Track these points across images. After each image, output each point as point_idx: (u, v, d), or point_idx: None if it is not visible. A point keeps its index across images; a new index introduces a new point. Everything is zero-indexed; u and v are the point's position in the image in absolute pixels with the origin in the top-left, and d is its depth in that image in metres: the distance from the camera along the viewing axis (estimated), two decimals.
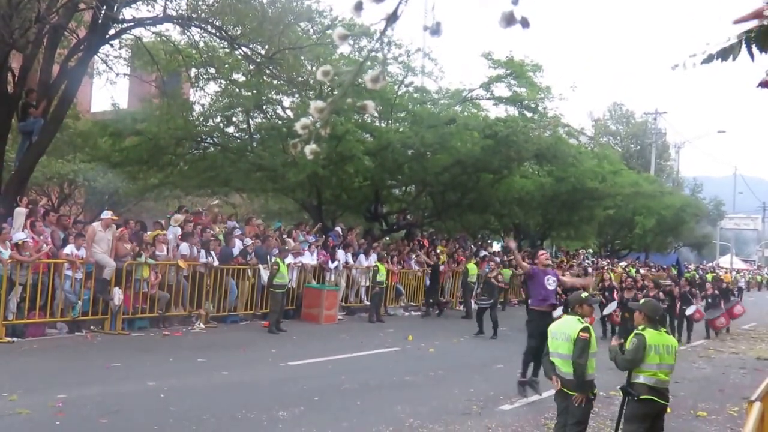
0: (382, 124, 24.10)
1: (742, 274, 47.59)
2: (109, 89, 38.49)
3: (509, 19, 0.99)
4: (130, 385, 9.52)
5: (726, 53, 2.86)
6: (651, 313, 7.07)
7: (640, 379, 6.73)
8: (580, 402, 6.92)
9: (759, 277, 67.96)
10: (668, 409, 7.17)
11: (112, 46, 18.61)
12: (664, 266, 44.79)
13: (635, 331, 7.05)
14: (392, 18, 1.13)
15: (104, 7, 15.30)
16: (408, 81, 23.78)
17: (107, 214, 14.49)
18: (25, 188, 16.38)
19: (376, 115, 23.88)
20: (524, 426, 8.81)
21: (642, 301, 8.42)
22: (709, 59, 2.92)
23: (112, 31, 16.56)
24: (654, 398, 6.72)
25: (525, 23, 0.99)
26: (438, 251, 24.06)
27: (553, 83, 29.19)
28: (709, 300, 21.35)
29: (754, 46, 2.80)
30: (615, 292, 18.86)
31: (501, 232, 37.24)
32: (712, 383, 13.12)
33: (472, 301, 21.02)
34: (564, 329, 7.20)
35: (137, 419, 7.92)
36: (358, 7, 1.10)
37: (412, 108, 23.69)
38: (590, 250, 43.50)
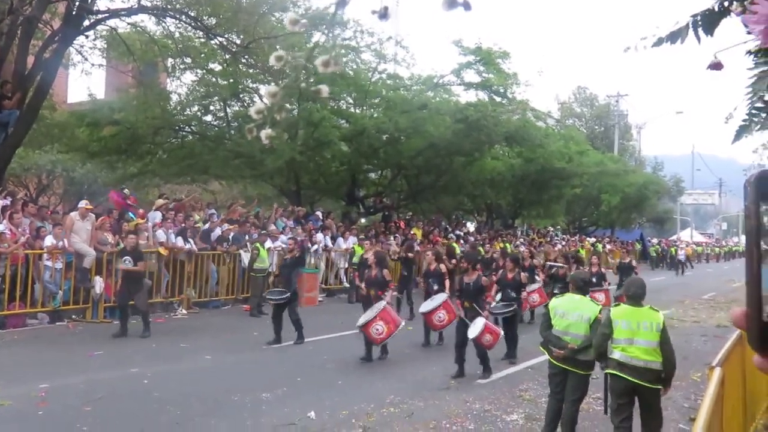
0: (357, 111, 24.36)
1: (680, 246, 48.57)
2: (85, 80, 38.16)
3: (451, 3, 1.15)
4: (113, 372, 9.58)
5: (674, 36, 2.99)
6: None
7: (612, 354, 6.61)
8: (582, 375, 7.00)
9: (717, 249, 69.52)
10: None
11: (87, 37, 18.52)
12: (628, 241, 45.92)
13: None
14: (341, 3, 1.20)
15: None
16: (381, 68, 24.12)
17: (84, 204, 14.56)
18: (2, 180, 16.30)
19: (351, 101, 24.15)
20: (500, 398, 9.07)
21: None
22: (659, 42, 3.06)
23: (86, 23, 16.50)
24: (619, 374, 6.49)
25: (467, 6, 1.15)
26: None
27: (520, 69, 29.75)
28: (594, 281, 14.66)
29: (700, 29, 2.94)
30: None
31: (474, 212, 37.95)
32: (676, 351, 13.43)
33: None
34: (578, 309, 7.02)
35: (121, 406, 7.94)
36: None
37: (385, 94, 23.98)
38: (559, 228, 44.49)
